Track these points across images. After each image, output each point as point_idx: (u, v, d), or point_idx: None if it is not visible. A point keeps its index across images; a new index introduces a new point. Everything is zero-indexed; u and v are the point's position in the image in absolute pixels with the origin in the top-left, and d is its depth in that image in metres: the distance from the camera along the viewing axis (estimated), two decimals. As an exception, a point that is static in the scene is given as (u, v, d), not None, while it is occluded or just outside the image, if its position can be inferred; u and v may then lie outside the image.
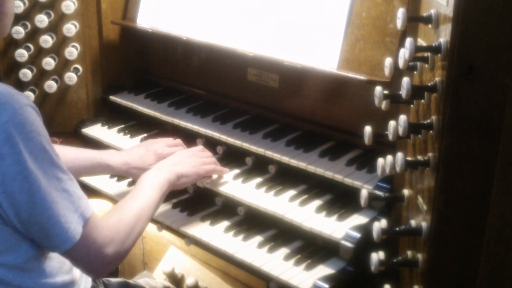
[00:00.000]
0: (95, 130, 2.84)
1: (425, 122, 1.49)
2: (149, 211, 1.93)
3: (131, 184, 2.58)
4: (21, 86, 2.85)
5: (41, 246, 1.64)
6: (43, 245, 1.63)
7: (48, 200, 1.53)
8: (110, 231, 1.72)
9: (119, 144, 2.67)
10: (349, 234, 1.94)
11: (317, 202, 2.16)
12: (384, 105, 1.64)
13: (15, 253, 1.60)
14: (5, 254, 1.59)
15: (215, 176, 2.33)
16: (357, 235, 1.93)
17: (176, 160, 2.19)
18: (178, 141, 2.42)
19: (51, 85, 2.82)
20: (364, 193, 1.75)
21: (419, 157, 1.53)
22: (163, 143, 2.38)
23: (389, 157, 1.60)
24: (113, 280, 2.16)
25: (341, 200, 2.17)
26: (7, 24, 1.74)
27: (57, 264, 1.74)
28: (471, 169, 1.41)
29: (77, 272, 1.85)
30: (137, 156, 2.32)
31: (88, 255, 1.66)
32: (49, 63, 2.79)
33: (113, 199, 2.58)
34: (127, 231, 1.78)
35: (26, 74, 2.79)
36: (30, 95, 2.83)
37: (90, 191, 2.56)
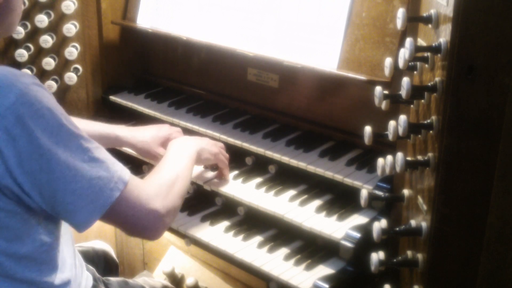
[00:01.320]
0: (95, 130, 2.83)
1: (425, 122, 1.49)
2: (185, 172, 1.94)
3: None
4: (21, 86, 2.85)
5: (73, 223, 1.60)
6: (75, 221, 1.59)
7: (70, 174, 1.52)
8: (153, 187, 1.72)
9: (119, 144, 2.67)
10: (349, 234, 1.95)
11: (317, 202, 2.16)
12: (384, 105, 1.64)
13: (23, 242, 1.59)
14: (14, 243, 1.57)
15: (213, 181, 2.34)
16: (357, 235, 1.93)
17: (197, 138, 2.24)
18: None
19: (51, 85, 2.82)
20: (364, 193, 1.75)
21: (419, 157, 1.53)
22: (177, 130, 2.41)
23: (389, 157, 1.60)
24: (113, 279, 2.16)
25: (341, 200, 2.17)
26: (15, 21, 1.74)
27: (59, 261, 1.73)
28: (471, 169, 1.41)
29: (78, 270, 1.85)
30: (148, 134, 2.34)
31: (135, 212, 1.64)
32: (49, 63, 2.79)
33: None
34: (170, 186, 1.78)
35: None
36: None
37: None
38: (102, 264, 2.32)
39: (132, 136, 2.33)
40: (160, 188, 1.75)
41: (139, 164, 2.69)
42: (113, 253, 2.45)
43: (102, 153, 1.61)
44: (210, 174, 2.38)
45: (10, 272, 1.59)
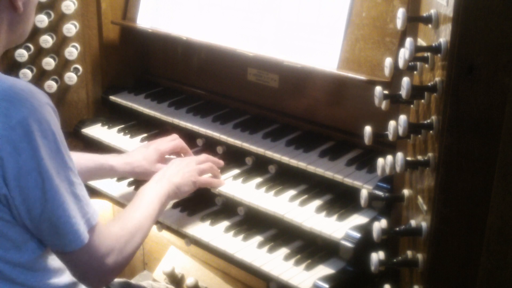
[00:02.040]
0: (95, 130, 2.84)
1: (425, 122, 1.49)
2: (149, 222, 1.95)
3: (131, 184, 2.59)
4: (21, 86, 2.85)
5: (48, 244, 1.64)
6: (51, 244, 1.63)
7: (60, 199, 1.54)
8: (112, 240, 1.73)
9: (119, 144, 2.67)
10: (349, 234, 1.95)
11: (317, 202, 2.16)
12: (384, 105, 1.64)
13: (21, 251, 1.60)
14: (12, 252, 1.59)
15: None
16: (357, 235, 1.93)
17: (174, 170, 2.19)
18: (174, 135, 2.44)
19: (51, 85, 2.82)
20: (364, 193, 1.75)
21: (419, 157, 1.53)
22: (161, 140, 2.40)
23: (389, 157, 1.60)
24: (115, 280, 2.16)
25: (341, 200, 2.17)
26: (28, 30, 1.76)
27: (61, 265, 1.74)
28: (471, 169, 1.41)
29: None
30: (140, 156, 2.34)
31: (89, 262, 1.67)
32: (49, 63, 2.79)
33: (113, 199, 2.58)
34: (128, 240, 1.79)
35: (26, 74, 2.79)
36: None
37: (91, 192, 2.55)
38: None
39: (126, 163, 2.32)
40: (119, 242, 1.75)
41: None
42: None
43: (83, 191, 1.64)
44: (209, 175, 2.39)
45: (11, 277, 1.61)
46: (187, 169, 2.21)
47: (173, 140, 2.40)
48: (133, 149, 2.43)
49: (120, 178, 2.61)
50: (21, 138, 1.46)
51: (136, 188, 2.56)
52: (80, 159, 2.22)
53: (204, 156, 2.34)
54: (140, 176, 2.38)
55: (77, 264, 1.68)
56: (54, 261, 1.72)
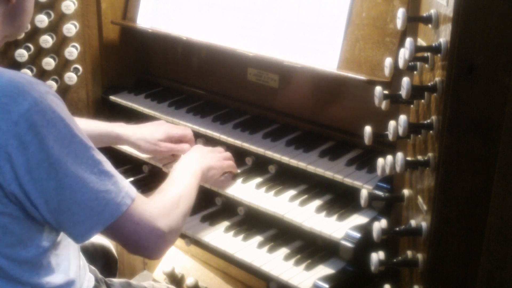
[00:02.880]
0: (95, 130, 2.83)
1: (425, 122, 1.49)
2: (190, 192, 1.93)
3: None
4: (21, 86, 2.85)
5: (74, 234, 1.61)
6: (76, 233, 1.60)
7: (78, 185, 1.52)
8: (157, 206, 1.72)
9: (119, 144, 2.67)
10: (349, 234, 1.95)
11: (317, 202, 2.16)
12: (384, 105, 1.64)
13: (27, 247, 1.59)
14: (18, 248, 1.58)
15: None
16: (357, 235, 1.93)
17: (200, 154, 2.21)
18: (189, 131, 2.47)
19: (51, 85, 2.82)
20: (364, 193, 1.75)
21: (419, 157, 1.53)
22: (174, 126, 2.44)
23: (389, 157, 1.60)
24: (116, 280, 2.16)
25: (341, 200, 2.17)
26: (25, 23, 1.74)
27: (64, 262, 1.73)
28: (471, 169, 1.41)
29: (81, 271, 1.85)
30: (148, 130, 2.37)
31: (138, 229, 1.63)
32: (49, 63, 2.79)
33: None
34: (173, 206, 1.78)
35: (26, 74, 2.79)
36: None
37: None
38: (101, 261, 2.31)
39: (132, 134, 2.35)
40: (164, 207, 1.75)
41: (139, 164, 2.69)
42: (112, 249, 2.45)
43: (112, 168, 1.62)
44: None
45: (14, 275, 1.60)
46: (211, 155, 2.24)
47: (185, 130, 2.44)
48: (146, 123, 2.46)
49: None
50: (26, 132, 1.45)
51: (143, 190, 2.56)
52: (86, 126, 2.20)
53: (228, 153, 2.35)
54: (141, 149, 2.40)
55: (126, 234, 1.64)
56: (59, 258, 1.71)
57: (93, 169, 1.55)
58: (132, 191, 1.64)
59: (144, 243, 1.66)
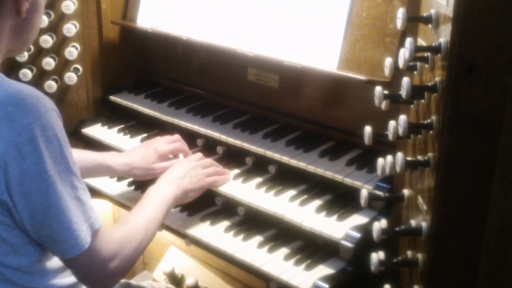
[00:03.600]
0: (95, 130, 2.84)
1: (425, 122, 1.49)
2: (155, 226, 1.94)
3: (131, 184, 2.59)
4: (21, 86, 2.85)
5: (49, 250, 1.65)
6: (51, 249, 1.64)
7: (63, 205, 1.55)
8: (116, 245, 1.72)
9: (119, 144, 2.67)
10: (349, 234, 1.94)
11: (317, 202, 2.16)
12: (384, 105, 1.64)
13: (21, 255, 1.61)
14: (11, 256, 1.60)
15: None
16: (357, 235, 1.93)
17: (182, 173, 2.17)
18: (176, 136, 2.44)
19: (51, 85, 2.82)
20: (364, 193, 1.75)
21: (419, 157, 1.53)
22: (162, 141, 2.40)
23: (389, 157, 1.60)
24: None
25: (341, 200, 2.17)
26: (31, 39, 1.75)
27: (61, 266, 1.74)
28: (471, 169, 1.41)
29: None
30: (138, 156, 2.33)
31: (91, 266, 1.66)
32: (49, 63, 2.79)
33: (113, 199, 2.58)
34: (132, 246, 1.78)
35: (26, 74, 2.79)
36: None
37: (91, 191, 2.55)
38: None
39: (124, 164, 2.31)
40: (122, 248, 1.74)
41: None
42: None
43: (86, 196, 1.64)
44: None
45: (11, 279, 1.62)
46: (194, 173, 2.20)
47: (174, 143, 2.40)
48: (133, 148, 2.43)
49: (120, 178, 2.61)
50: (26, 144, 1.47)
51: (136, 189, 2.56)
52: (79, 157, 2.22)
53: (209, 161, 2.33)
54: (138, 177, 2.38)
55: (79, 268, 1.68)
56: (53, 263, 1.72)
57: (71, 194, 1.58)
58: (97, 222, 1.65)
59: (92, 279, 1.71)
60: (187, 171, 2.20)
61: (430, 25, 1.49)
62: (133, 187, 2.57)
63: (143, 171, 2.31)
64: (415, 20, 1.63)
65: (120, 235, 1.77)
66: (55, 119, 1.54)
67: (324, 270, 2.03)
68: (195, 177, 2.20)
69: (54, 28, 2.79)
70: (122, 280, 2.19)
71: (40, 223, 1.54)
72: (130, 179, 2.59)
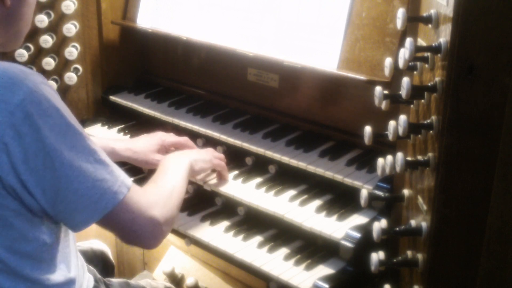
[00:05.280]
0: (95, 130, 2.84)
1: (425, 122, 1.49)
2: (180, 183, 1.96)
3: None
4: (21, 86, 2.85)
5: (71, 224, 1.62)
6: (73, 222, 1.61)
7: (74, 173, 1.53)
8: (152, 196, 1.74)
9: (119, 144, 2.66)
10: (349, 234, 1.94)
11: (317, 202, 2.16)
12: (384, 105, 1.64)
13: (28, 240, 1.59)
14: (19, 242, 1.58)
15: (213, 181, 2.35)
16: (357, 235, 1.93)
17: (189, 151, 2.27)
18: (185, 138, 2.46)
19: (51, 85, 2.81)
20: (364, 193, 1.75)
21: (419, 157, 1.53)
22: (167, 134, 2.43)
23: (389, 157, 1.60)
24: (114, 280, 2.16)
25: (341, 200, 2.17)
26: (22, 31, 1.73)
27: (64, 260, 1.73)
28: (471, 169, 1.41)
29: (80, 271, 1.85)
30: (141, 143, 2.35)
31: (134, 218, 1.64)
32: (49, 63, 2.79)
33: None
34: (167, 196, 1.81)
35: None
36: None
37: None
38: (100, 264, 2.32)
39: (127, 149, 2.33)
40: (159, 197, 1.77)
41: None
42: (109, 254, 2.46)
43: (107, 157, 1.63)
44: (210, 174, 2.38)
45: (15, 269, 1.59)
46: (202, 151, 2.29)
47: (179, 137, 2.43)
48: (139, 136, 2.44)
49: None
50: (22, 122, 1.45)
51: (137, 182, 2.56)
52: None
53: (221, 154, 2.38)
54: (139, 163, 2.39)
55: (122, 223, 1.65)
56: (59, 255, 1.70)
57: (89, 158, 1.56)
58: (128, 180, 1.65)
59: (140, 232, 1.67)
60: (195, 150, 2.32)
61: (430, 25, 1.50)
62: (132, 179, 2.56)
63: (145, 157, 2.33)
64: (415, 20, 1.63)
65: (153, 188, 1.82)
66: (47, 91, 1.51)
67: (324, 270, 2.03)
68: (203, 153, 2.28)
69: (54, 28, 2.80)
70: (121, 280, 2.20)
71: (55, 196, 1.52)
72: (138, 176, 2.59)
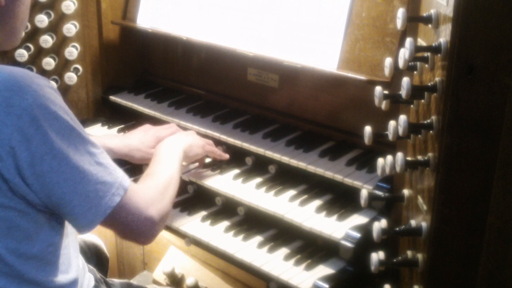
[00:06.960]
0: (95, 130, 2.83)
1: (425, 122, 1.49)
2: (176, 174, 2.00)
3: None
4: (21, 86, 2.85)
5: (76, 225, 1.64)
6: (78, 223, 1.62)
7: (79, 177, 1.55)
8: (149, 193, 1.78)
9: (119, 144, 2.66)
10: (349, 234, 1.95)
11: (317, 202, 2.16)
12: (384, 105, 1.64)
13: (33, 241, 1.60)
14: (24, 243, 1.58)
15: (214, 179, 2.35)
16: (357, 235, 1.93)
17: (182, 134, 2.31)
18: (173, 125, 2.49)
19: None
20: (364, 193, 1.75)
21: (419, 157, 1.53)
22: (160, 127, 2.44)
23: (389, 157, 1.60)
24: (116, 281, 2.16)
25: (341, 200, 2.17)
26: (18, 29, 1.73)
27: (66, 262, 1.74)
28: (471, 169, 1.41)
29: (81, 271, 1.85)
30: (137, 139, 2.37)
31: (133, 218, 1.69)
32: (49, 63, 2.79)
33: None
34: (163, 192, 1.85)
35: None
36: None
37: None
38: (94, 258, 2.31)
39: (124, 146, 2.34)
40: (155, 194, 1.81)
41: (139, 164, 2.68)
42: (104, 247, 2.45)
43: (107, 159, 1.65)
44: (208, 172, 2.41)
45: (20, 272, 1.60)
46: (194, 135, 2.33)
47: (170, 128, 2.45)
48: (131, 132, 2.45)
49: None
50: (29, 125, 1.46)
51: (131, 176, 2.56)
52: None
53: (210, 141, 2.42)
54: (135, 160, 2.39)
55: (121, 223, 1.69)
56: (62, 256, 1.71)
57: (90, 161, 1.58)
58: (126, 180, 1.68)
59: (137, 230, 1.73)
60: (186, 133, 2.34)
61: (430, 25, 1.50)
62: (132, 179, 2.56)
63: (142, 153, 2.34)
64: (415, 20, 1.63)
65: (150, 183, 1.86)
66: (53, 94, 1.53)
67: (324, 270, 2.03)
68: (196, 137, 2.32)
69: (54, 28, 2.80)
70: (123, 280, 2.20)
71: (60, 200, 1.54)
72: (138, 177, 2.58)
